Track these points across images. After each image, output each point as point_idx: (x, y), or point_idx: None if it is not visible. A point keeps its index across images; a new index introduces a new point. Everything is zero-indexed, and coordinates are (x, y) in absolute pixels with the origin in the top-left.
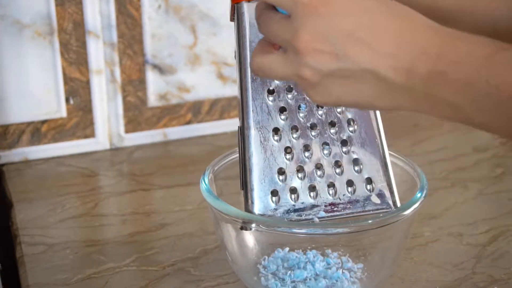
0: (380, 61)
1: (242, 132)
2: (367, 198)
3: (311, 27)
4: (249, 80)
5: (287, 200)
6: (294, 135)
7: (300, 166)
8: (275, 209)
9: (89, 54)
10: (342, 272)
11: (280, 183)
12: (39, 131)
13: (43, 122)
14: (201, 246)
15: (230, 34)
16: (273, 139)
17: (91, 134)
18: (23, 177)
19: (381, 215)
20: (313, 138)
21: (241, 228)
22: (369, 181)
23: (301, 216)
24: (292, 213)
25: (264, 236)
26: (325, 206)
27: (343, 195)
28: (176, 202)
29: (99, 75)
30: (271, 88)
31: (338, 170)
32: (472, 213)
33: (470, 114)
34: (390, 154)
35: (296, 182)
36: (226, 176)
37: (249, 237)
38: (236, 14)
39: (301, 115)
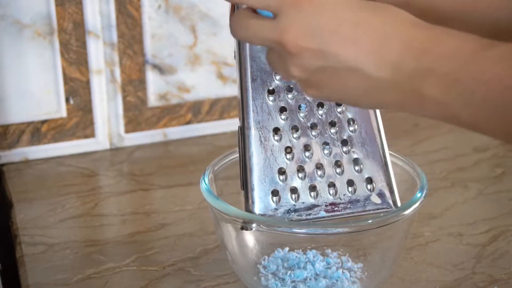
0: (364, 57)
1: (243, 132)
2: (368, 198)
3: (298, 25)
4: (249, 80)
5: (288, 200)
6: (295, 135)
7: (300, 166)
8: (276, 209)
9: (89, 54)
10: (342, 272)
11: (280, 183)
12: (39, 131)
13: (43, 122)
14: (201, 246)
15: (230, 34)
16: (274, 139)
17: (91, 134)
18: (23, 177)
19: (381, 214)
20: (313, 138)
21: (242, 228)
22: (369, 180)
23: (302, 216)
24: (293, 213)
25: (264, 236)
26: (326, 206)
27: (344, 194)
28: (176, 202)
29: (99, 75)
30: (271, 88)
31: (338, 170)
32: (472, 213)
33: (457, 112)
34: (390, 154)
35: (296, 182)
36: (226, 176)
37: (249, 237)
38: None
39: (302, 115)
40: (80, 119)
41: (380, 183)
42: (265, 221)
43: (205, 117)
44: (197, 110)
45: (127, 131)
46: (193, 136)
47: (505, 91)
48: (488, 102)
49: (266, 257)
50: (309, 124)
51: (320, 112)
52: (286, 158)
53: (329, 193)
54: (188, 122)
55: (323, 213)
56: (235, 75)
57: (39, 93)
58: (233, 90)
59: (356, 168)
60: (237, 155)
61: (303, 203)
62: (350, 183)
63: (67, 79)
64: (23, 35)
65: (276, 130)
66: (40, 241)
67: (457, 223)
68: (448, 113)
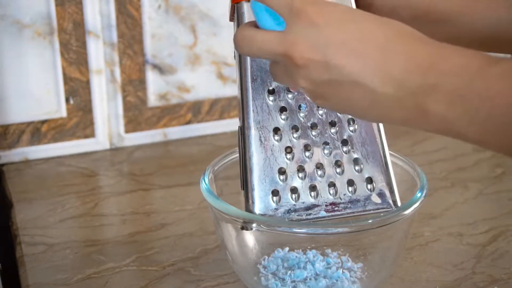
0: (368, 72)
1: (243, 132)
2: (368, 198)
3: (305, 38)
4: (249, 80)
5: (288, 200)
6: (295, 135)
7: (300, 166)
8: (276, 209)
9: (89, 54)
10: (342, 271)
11: (280, 183)
12: (39, 131)
13: (43, 122)
14: (201, 246)
15: (230, 34)
16: (274, 139)
17: (91, 134)
18: (23, 177)
19: (382, 214)
20: (313, 137)
21: (242, 228)
22: (369, 180)
23: (302, 216)
24: (293, 213)
25: (264, 236)
26: (326, 205)
27: (344, 194)
28: (176, 202)
29: (99, 75)
30: (271, 88)
31: (338, 170)
32: (472, 213)
33: (462, 128)
34: (390, 153)
35: (296, 182)
36: (226, 176)
37: (249, 237)
38: (236, 14)
39: (302, 115)
40: (80, 119)
41: (380, 183)
42: (265, 221)
43: (205, 117)
44: (197, 110)
45: (127, 131)
46: (193, 136)
47: (509, 108)
48: (493, 118)
49: (266, 257)
50: (309, 124)
51: (320, 112)
52: (286, 158)
53: (329, 193)
54: (188, 122)
55: (323, 213)
56: (235, 75)
57: (39, 93)
58: (233, 90)
59: (356, 168)
60: (237, 155)
61: (303, 203)
62: (350, 183)
63: (67, 79)
64: (23, 35)
65: (276, 130)
66: (40, 241)
67: (457, 223)
68: (453, 129)
